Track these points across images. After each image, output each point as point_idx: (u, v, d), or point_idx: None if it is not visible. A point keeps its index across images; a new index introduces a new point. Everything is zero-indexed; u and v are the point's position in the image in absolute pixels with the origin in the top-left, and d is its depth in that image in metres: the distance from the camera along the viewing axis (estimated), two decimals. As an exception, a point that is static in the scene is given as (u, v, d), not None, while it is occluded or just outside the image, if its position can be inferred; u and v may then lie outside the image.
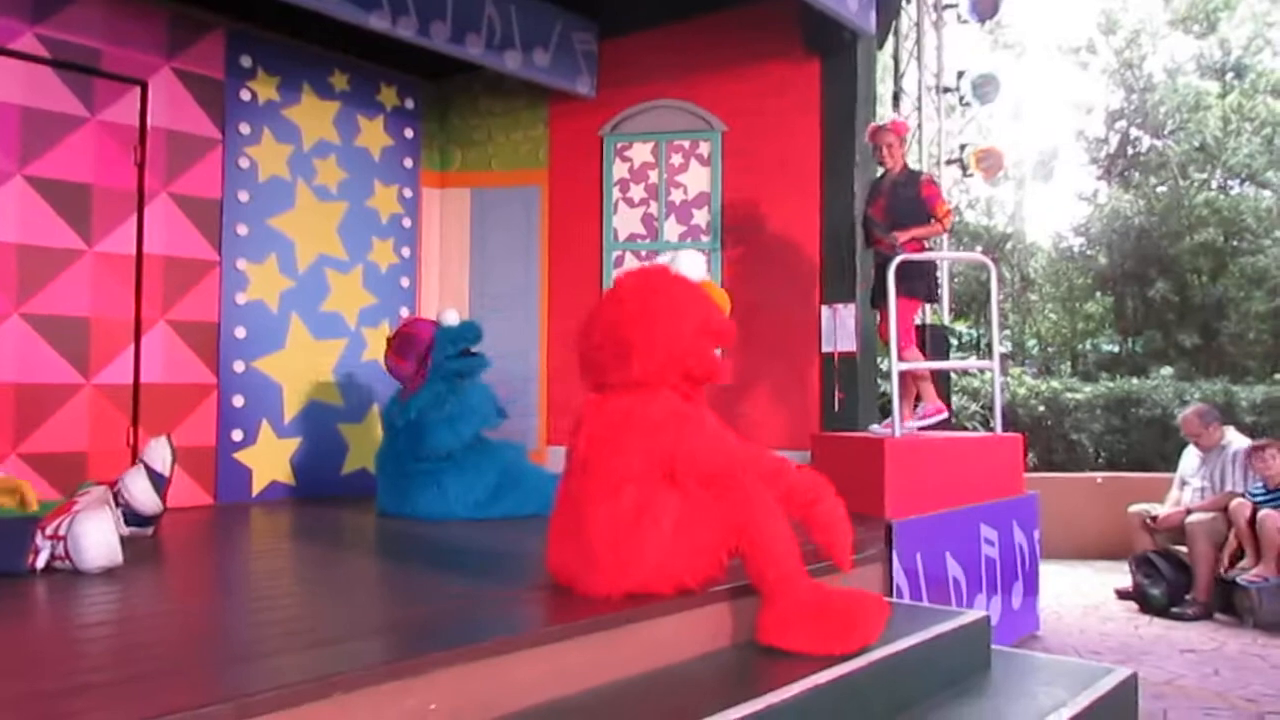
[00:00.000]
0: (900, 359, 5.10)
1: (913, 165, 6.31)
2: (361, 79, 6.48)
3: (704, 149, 6.69)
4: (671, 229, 6.72)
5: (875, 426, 5.48)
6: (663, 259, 3.28)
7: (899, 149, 5.44)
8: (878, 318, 5.59)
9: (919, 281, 5.30)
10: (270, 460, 5.88)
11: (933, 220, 5.25)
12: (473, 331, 5.37)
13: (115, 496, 4.00)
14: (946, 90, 8.28)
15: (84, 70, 5.17)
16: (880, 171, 5.58)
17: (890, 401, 5.11)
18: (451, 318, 5.39)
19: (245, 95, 5.85)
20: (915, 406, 5.44)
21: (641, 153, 6.82)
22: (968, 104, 8.44)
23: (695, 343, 3.05)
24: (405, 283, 6.68)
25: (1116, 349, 14.85)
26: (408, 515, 5.01)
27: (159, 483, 4.10)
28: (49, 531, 3.39)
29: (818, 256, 6.31)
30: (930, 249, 5.40)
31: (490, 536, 4.46)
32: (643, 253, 6.74)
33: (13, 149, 4.91)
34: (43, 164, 5.01)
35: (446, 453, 5.06)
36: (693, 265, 3.22)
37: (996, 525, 5.02)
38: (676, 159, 6.74)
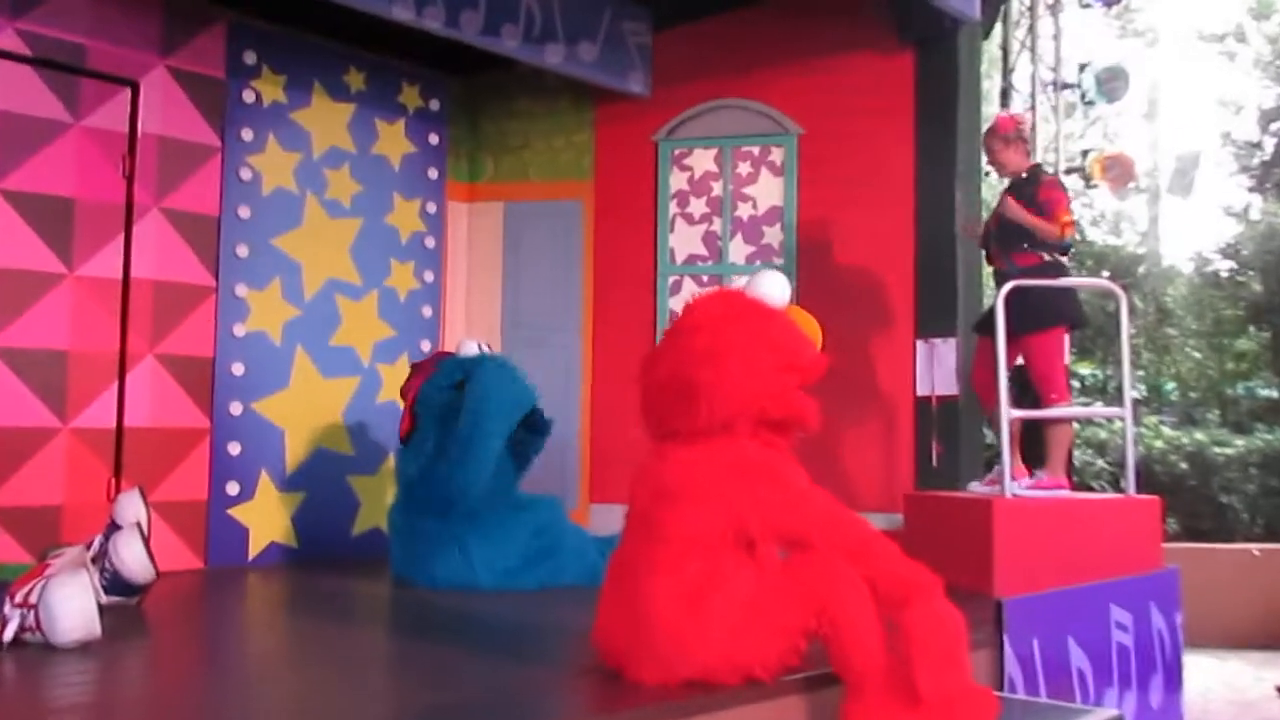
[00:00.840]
0: (1048, 406, 5.07)
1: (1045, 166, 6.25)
2: (380, 77, 6.61)
3: (776, 156, 6.70)
4: (737, 249, 6.73)
5: (976, 484, 5.40)
6: (739, 280, 3.30)
7: (1005, 152, 5.35)
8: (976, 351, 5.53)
9: (1057, 304, 5.18)
10: (270, 518, 5.93)
11: (1050, 223, 5.12)
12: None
13: (96, 560, 4.06)
14: (1065, 86, 8.22)
15: (68, 70, 5.31)
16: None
17: (998, 455, 5.05)
18: (469, 349, 5.41)
19: (248, 97, 5.98)
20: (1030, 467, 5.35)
21: (703, 161, 6.85)
22: (1091, 102, 8.36)
23: (775, 382, 3.00)
24: (427, 312, 6.75)
25: (1275, 394, 14.49)
26: (426, 584, 5.02)
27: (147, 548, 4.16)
28: (18, 599, 3.46)
29: (911, 282, 6.27)
30: (1049, 263, 5.27)
31: (523, 610, 4.46)
32: (704, 277, 6.75)
33: (-13, 159, 5.05)
34: (19, 176, 5.13)
35: (474, 495, 5.01)
36: (774, 287, 3.18)
37: (1130, 606, 4.90)
38: (744, 168, 6.76)
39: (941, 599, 2.89)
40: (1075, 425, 7.99)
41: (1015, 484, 5.02)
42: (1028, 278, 5.10)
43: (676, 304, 6.73)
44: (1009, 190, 5.33)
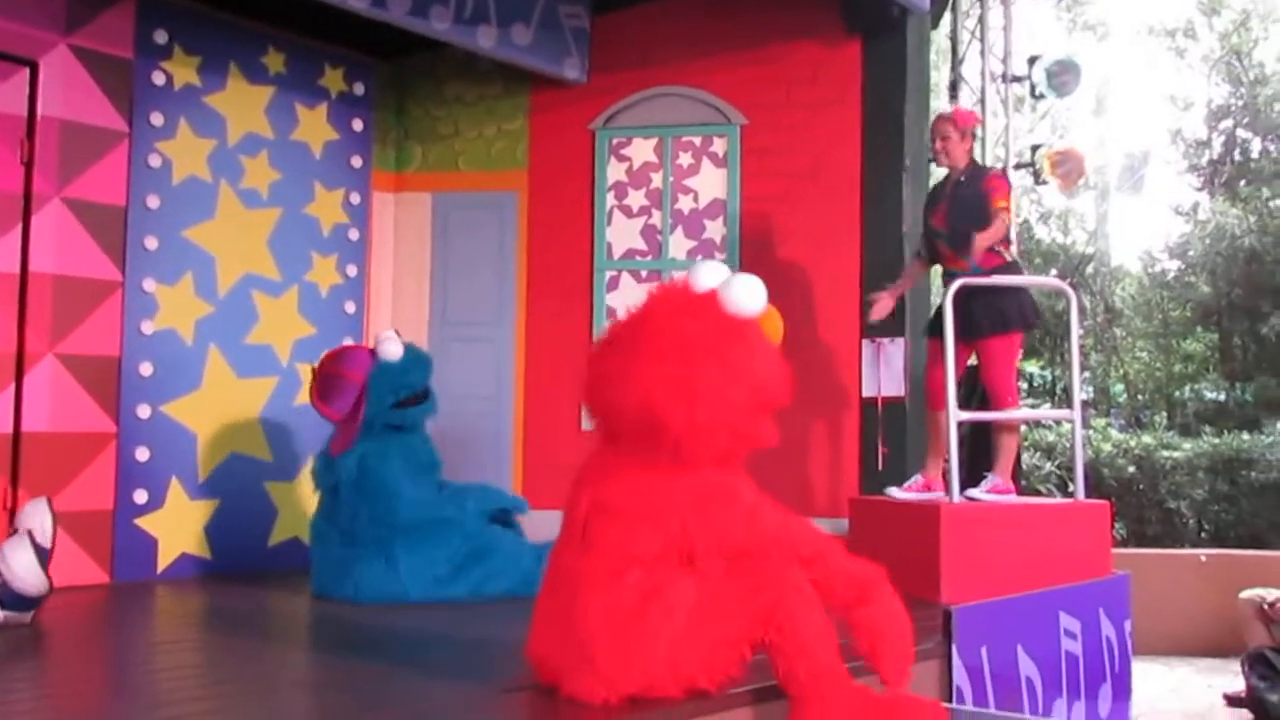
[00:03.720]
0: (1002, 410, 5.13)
1: (982, 162, 6.34)
2: (301, 59, 6.52)
3: (718, 147, 6.71)
4: (678, 244, 6.73)
5: (894, 490, 5.42)
6: (707, 273, 3.06)
7: (960, 144, 5.39)
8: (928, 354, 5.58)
9: (1020, 306, 5.24)
10: (180, 528, 5.83)
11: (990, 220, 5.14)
12: (418, 372, 5.32)
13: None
14: (1015, 79, 8.33)
15: (-39, 47, 5.19)
16: (944, 173, 5.59)
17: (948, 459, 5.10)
18: (392, 348, 5.25)
19: (158, 78, 5.87)
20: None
21: (642, 151, 6.83)
22: (1041, 96, 8.49)
23: (747, 420, 2.94)
24: (350, 308, 6.69)
25: (1222, 397, 14.84)
26: (349, 596, 4.97)
27: (41, 557, 4.08)
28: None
29: (857, 279, 6.30)
30: (1011, 263, 5.35)
31: (453, 623, 4.43)
32: (643, 273, 6.74)
33: None
34: (-92, 160, 5.01)
35: (406, 520, 5.03)
36: (752, 295, 3.01)
37: (1079, 613, 4.97)
38: (685, 159, 6.76)
39: (891, 593, 3.00)
40: (1023, 428, 8.11)
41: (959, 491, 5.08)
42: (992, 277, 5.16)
43: (614, 300, 6.71)
44: (952, 188, 5.36)
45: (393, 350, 5.26)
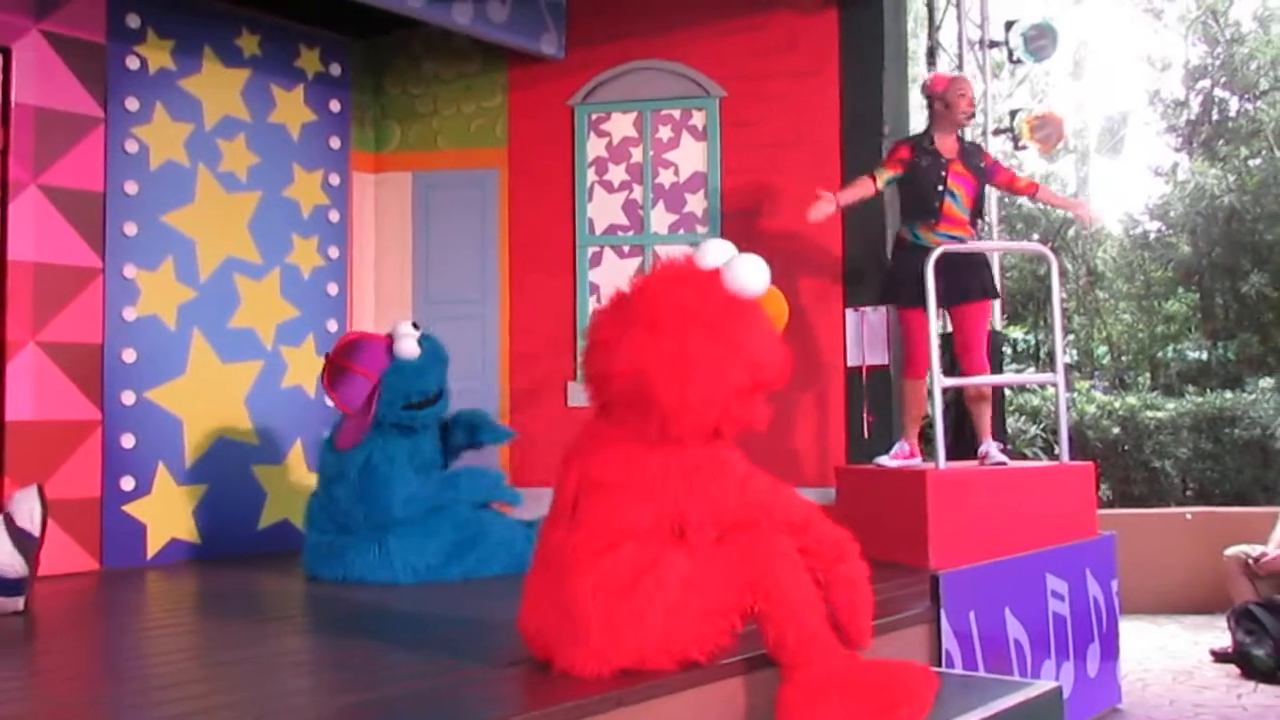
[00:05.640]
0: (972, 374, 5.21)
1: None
2: (276, 40, 6.48)
3: (698, 120, 6.71)
4: (660, 218, 6.73)
5: (884, 458, 5.46)
6: (712, 253, 3.04)
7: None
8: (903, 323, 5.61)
9: (992, 273, 5.43)
10: (169, 513, 5.85)
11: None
12: (434, 373, 5.28)
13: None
14: (993, 44, 8.31)
15: (-68, 35, 5.16)
16: (922, 128, 5.57)
17: (931, 425, 5.14)
18: (408, 347, 5.17)
19: (132, 63, 5.84)
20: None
21: (622, 125, 6.83)
22: (1019, 61, 8.48)
23: (739, 400, 2.91)
24: (333, 289, 6.68)
25: (1205, 356, 14.91)
26: (342, 580, 5.01)
27: (28, 544, 4.09)
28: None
29: (840, 249, 6.32)
30: (980, 236, 5.46)
31: (447, 602, 4.45)
32: (625, 248, 6.75)
33: None
34: (-118, 151, 4.98)
35: (400, 517, 5.05)
36: (755, 275, 3.00)
37: (1066, 575, 5.02)
38: (665, 133, 6.75)
39: (859, 556, 3.17)
40: (1007, 392, 8.16)
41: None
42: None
43: (597, 276, 6.73)
44: (962, 157, 5.38)
45: (409, 349, 5.19)
